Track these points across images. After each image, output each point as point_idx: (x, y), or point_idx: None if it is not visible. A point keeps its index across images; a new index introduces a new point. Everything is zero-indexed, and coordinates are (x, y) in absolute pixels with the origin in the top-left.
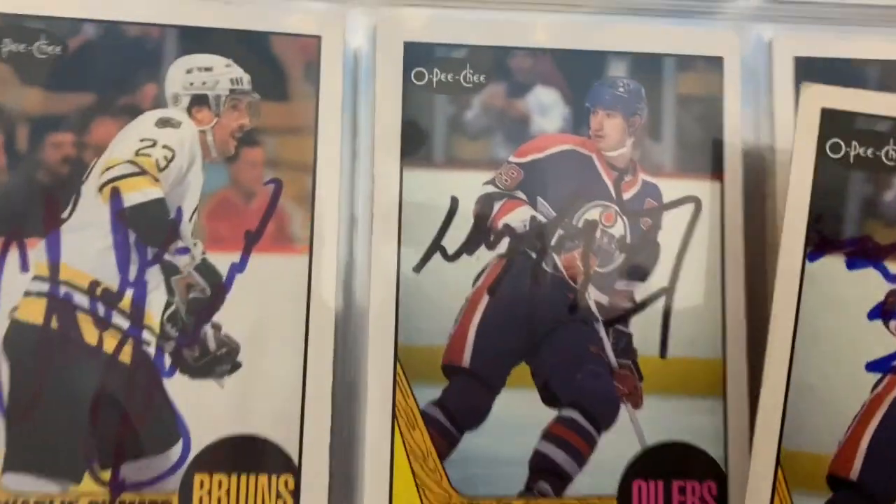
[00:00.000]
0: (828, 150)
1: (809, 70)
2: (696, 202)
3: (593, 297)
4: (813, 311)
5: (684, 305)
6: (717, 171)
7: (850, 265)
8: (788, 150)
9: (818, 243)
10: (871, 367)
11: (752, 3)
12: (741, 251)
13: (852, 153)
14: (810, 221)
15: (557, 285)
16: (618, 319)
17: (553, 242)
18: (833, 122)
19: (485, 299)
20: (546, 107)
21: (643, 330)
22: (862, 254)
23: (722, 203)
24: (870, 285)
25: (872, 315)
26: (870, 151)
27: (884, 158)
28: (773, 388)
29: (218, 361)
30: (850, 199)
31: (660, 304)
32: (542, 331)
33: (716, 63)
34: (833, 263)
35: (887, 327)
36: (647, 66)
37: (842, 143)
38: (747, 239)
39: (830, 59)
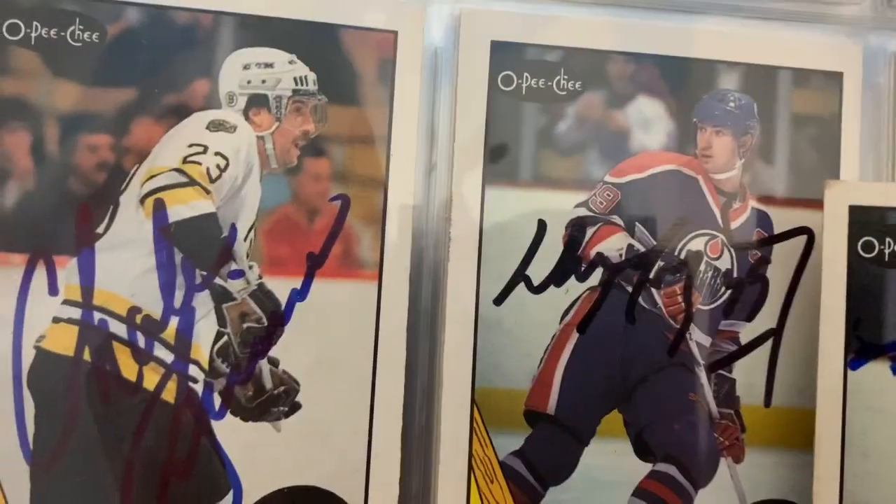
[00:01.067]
0: (860, 250)
1: None
2: (809, 234)
3: (695, 337)
4: (860, 424)
5: (793, 349)
6: None
7: None
8: None
9: (859, 349)
10: None
11: (867, 10)
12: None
13: (887, 251)
14: (848, 324)
15: (655, 324)
16: (720, 363)
17: (652, 275)
18: (863, 219)
19: (574, 338)
20: (649, 120)
21: (747, 375)
22: None
23: None
24: None
25: None
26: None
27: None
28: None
29: (274, 402)
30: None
31: (766, 347)
32: (636, 375)
33: (835, 79)
34: (877, 370)
35: None
36: (760, 78)
37: (875, 242)
38: None
39: None
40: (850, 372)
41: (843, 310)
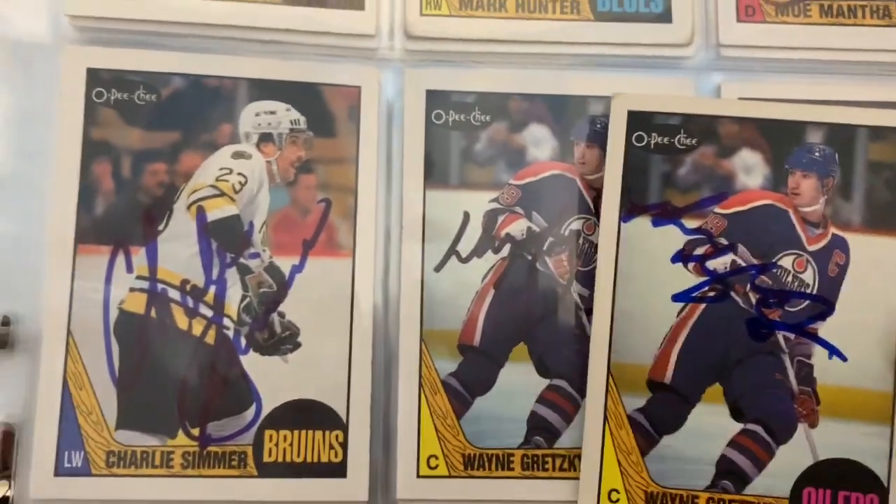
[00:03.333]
0: (633, 141)
1: None
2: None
3: (575, 290)
4: (628, 259)
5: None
6: None
7: (655, 223)
8: None
9: (630, 208)
10: (676, 297)
11: None
12: None
13: (652, 141)
14: (623, 192)
15: (547, 281)
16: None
17: (545, 248)
18: (637, 120)
19: (491, 292)
20: (538, 140)
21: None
22: (663, 214)
23: None
24: (671, 237)
25: (674, 260)
26: (665, 139)
27: (676, 144)
28: (601, 316)
29: (283, 342)
30: (653, 175)
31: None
32: (536, 316)
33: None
34: (642, 223)
35: (686, 268)
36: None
37: (644, 135)
38: None
39: None
40: (622, 224)
41: (619, 180)
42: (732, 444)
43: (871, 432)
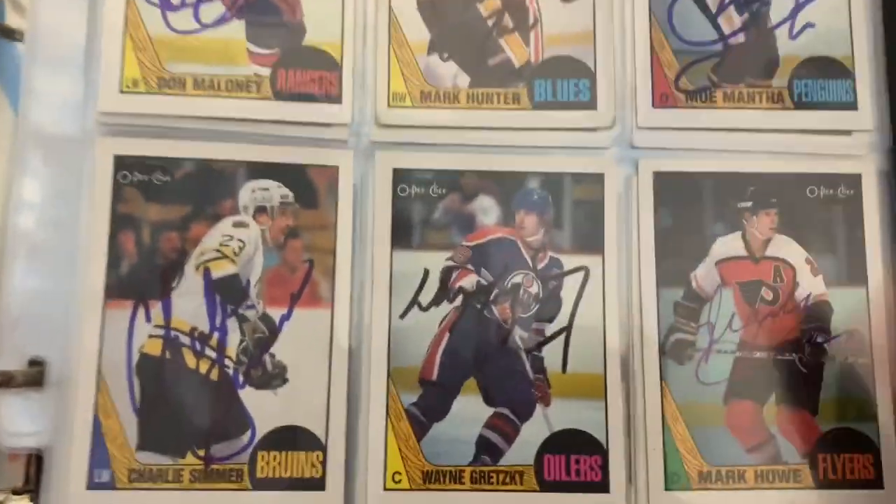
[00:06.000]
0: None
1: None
2: (586, 270)
3: (518, 334)
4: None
5: (579, 339)
6: (599, 248)
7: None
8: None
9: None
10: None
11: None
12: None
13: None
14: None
15: (493, 326)
16: (534, 348)
17: (492, 298)
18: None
19: (447, 336)
20: (486, 209)
21: (551, 355)
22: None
23: (603, 271)
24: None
25: None
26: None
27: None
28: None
29: (273, 378)
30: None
31: (562, 337)
32: (483, 356)
33: (597, 178)
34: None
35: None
36: (553, 180)
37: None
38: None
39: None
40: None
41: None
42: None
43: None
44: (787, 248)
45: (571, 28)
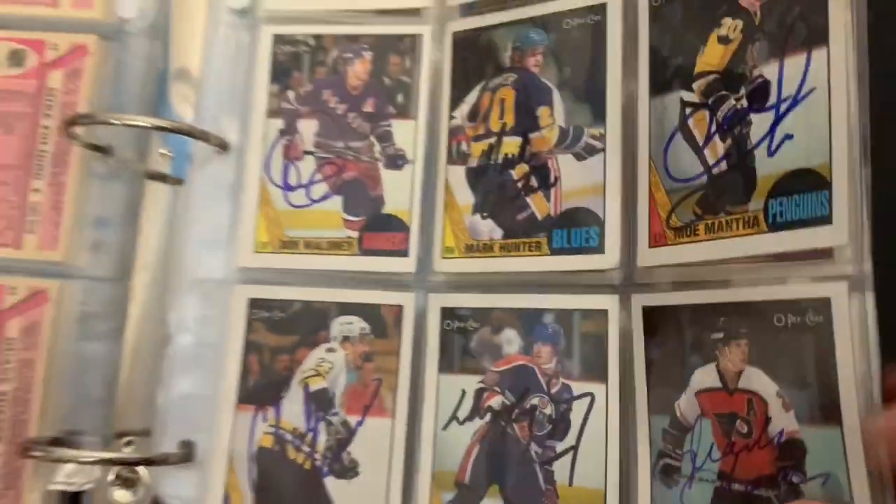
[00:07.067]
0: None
1: None
2: (591, 396)
3: (533, 449)
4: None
5: (585, 458)
6: (604, 377)
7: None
8: None
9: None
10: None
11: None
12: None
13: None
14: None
15: (514, 441)
16: (547, 462)
17: (513, 417)
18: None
19: (477, 446)
20: (511, 340)
21: (560, 469)
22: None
23: (607, 397)
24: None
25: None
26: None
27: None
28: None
29: (348, 471)
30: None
31: (570, 454)
32: (506, 466)
33: (602, 314)
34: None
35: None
36: (564, 316)
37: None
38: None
39: None
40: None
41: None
42: None
43: None
44: (759, 381)
45: (585, 182)
